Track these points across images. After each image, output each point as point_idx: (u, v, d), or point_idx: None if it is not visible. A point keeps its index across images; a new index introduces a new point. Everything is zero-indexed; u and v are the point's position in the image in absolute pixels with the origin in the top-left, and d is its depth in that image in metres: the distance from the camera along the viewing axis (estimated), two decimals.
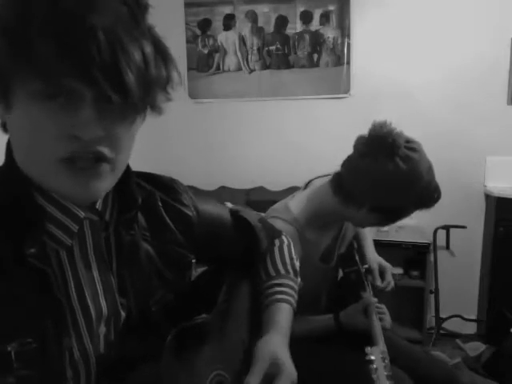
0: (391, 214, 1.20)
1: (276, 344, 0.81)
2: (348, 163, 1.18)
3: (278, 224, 1.12)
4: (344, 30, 2.76)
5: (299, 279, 0.97)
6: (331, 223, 1.33)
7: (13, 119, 0.55)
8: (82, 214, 0.62)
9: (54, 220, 0.60)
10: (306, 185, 1.41)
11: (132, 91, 0.52)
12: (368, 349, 1.04)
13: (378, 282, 1.41)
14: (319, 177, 1.41)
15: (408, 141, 1.12)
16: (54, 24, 0.49)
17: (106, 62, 0.49)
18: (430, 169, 1.14)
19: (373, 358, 1.02)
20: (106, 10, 0.51)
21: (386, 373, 1.00)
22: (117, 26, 0.51)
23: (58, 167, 0.55)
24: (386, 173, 1.09)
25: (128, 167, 0.65)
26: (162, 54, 0.57)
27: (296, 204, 1.28)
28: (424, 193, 1.14)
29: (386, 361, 1.03)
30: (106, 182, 0.58)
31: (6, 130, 0.59)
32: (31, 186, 0.59)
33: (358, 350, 1.08)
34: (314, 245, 1.27)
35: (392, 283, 1.45)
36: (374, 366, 1.01)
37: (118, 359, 0.65)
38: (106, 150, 0.55)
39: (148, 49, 0.54)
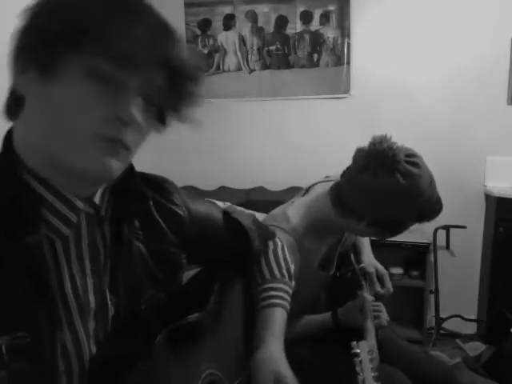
0: (391, 228, 1.18)
1: (275, 356, 0.83)
2: (347, 175, 1.14)
3: (277, 234, 1.10)
4: (344, 30, 2.76)
5: (293, 283, 0.97)
6: (330, 232, 1.31)
7: (49, 91, 0.56)
8: (80, 204, 0.62)
9: (53, 209, 0.60)
10: (307, 190, 1.38)
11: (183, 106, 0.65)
12: (354, 343, 1.03)
13: (378, 288, 1.40)
14: (320, 182, 1.38)
15: (409, 155, 1.09)
16: (131, 24, 0.55)
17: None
18: (431, 182, 1.11)
19: (358, 351, 1.01)
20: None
21: (371, 365, 1.00)
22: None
23: (90, 143, 0.57)
24: (385, 188, 1.07)
25: (131, 164, 0.68)
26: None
27: (295, 212, 1.25)
28: (426, 206, 1.12)
29: (374, 354, 1.03)
30: (121, 164, 0.61)
31: (17, 105, 0.60)
32: (29, 175, 0.59)
33: None
34: (312, 253, 1.25)
35: (391, 289, 1.44)
36: (359, 358, 1.00)
37: (108, 357, 0.65)
38: (132, 140, 0.60)
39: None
